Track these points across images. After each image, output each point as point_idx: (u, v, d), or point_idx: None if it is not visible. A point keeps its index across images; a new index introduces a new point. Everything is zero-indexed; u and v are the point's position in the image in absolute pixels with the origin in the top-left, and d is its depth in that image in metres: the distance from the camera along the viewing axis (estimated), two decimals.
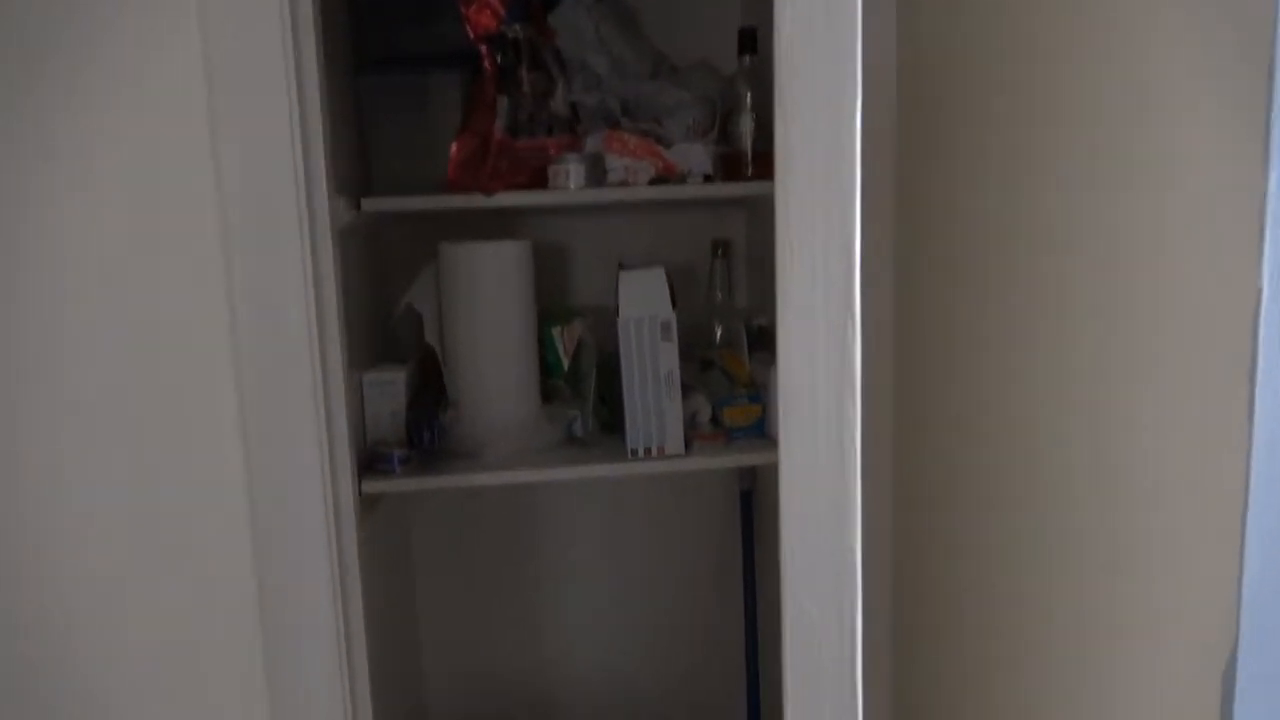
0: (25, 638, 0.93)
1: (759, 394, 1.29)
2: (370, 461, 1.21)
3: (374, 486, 1.18)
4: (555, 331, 1.37)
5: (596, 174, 1.27)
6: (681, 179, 1.27)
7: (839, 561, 0.74)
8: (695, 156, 1.27)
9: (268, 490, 0.87)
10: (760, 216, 1.44)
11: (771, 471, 1.60)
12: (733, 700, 1.66)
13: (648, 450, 1.22)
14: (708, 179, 1.28)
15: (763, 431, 1.28)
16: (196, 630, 0.93)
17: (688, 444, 1.23)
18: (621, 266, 1.22)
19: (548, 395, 1.36)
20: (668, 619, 1.69)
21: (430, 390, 1.36)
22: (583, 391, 1.34)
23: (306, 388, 0.88)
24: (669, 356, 1.19)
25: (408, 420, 1.22)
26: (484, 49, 1.23)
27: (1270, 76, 0.57)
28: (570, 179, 1.24)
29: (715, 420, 1.30)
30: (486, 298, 1.26)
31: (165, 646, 0.93)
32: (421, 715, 1.63)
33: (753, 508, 1.63)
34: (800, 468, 0.83)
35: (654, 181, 1.27)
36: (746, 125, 1.30)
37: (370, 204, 1.22)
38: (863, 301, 0.81)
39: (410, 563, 1.62)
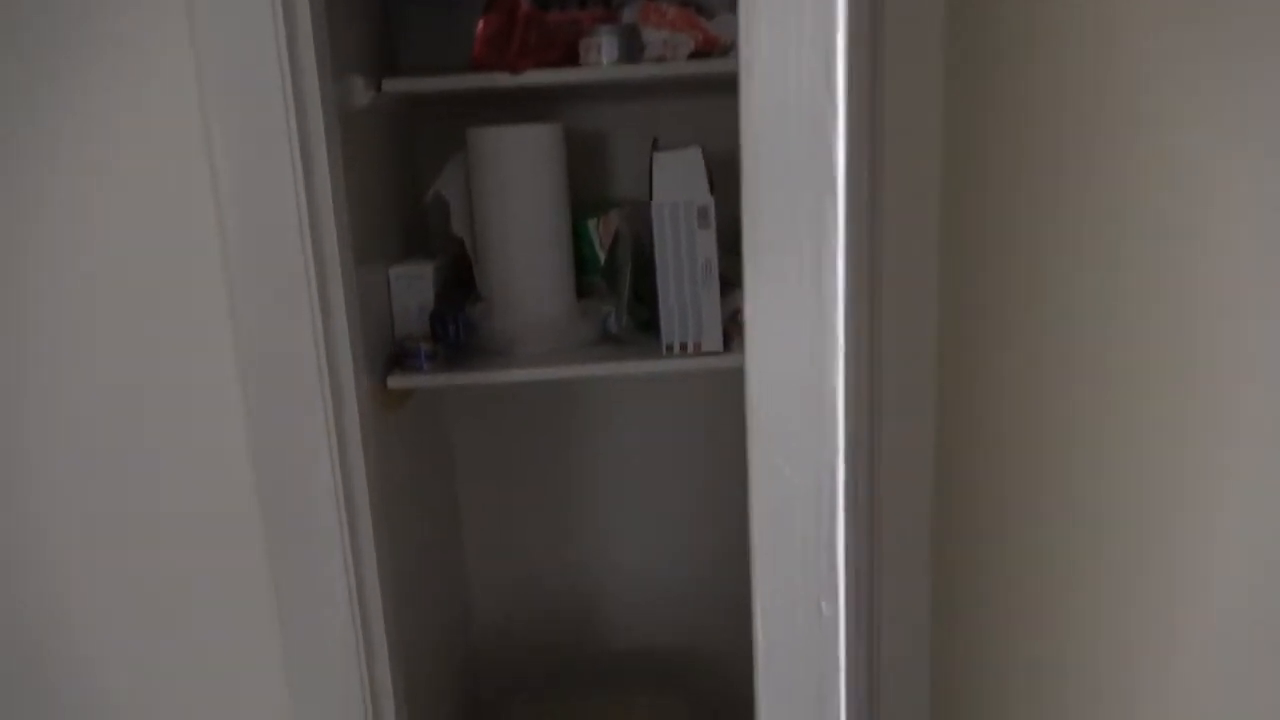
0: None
1: None
2: (399, 357, 1.18)
3: (401, 382, 1.15)
4: (590, 224, 1.29)
5: (632, 48, 1.17)
6: (724, 52, 1.17)
7: (818, 418, 0.64)
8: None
9: (263, 389, 0.83)
10: None
11: None
12: None
13: (683, 346, 1.15)
14: None
15: None
16: (204, 542, 0.91)
17: (727, 341, 1.17)
18: (656, 147, 1.14)
19: (583, 291, 1.30)
20: (706, 518, 1.65)
21: (460, 284, 1.31)
22: (619, 287, 1.27)
23: (299, 281, 0.83)
24: (706, 245, 1.11)
25: (433, 315, 1.17)
26: None
27: None
28: (603, 53, 1.15)
29: None
30: (516, 185, 1.19)
31: (165, 557, 0.92)
32: (466, 618, 1.64)
33: None
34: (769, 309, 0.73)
35: (694, 56, 1.17)
36: None
37: (391, 85, 1.15)
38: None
39: (451, 464, 1.60)
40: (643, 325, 1.26)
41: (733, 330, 1.19)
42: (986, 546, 1.04)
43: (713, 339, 1.15)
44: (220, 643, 0.94)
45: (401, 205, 1.34)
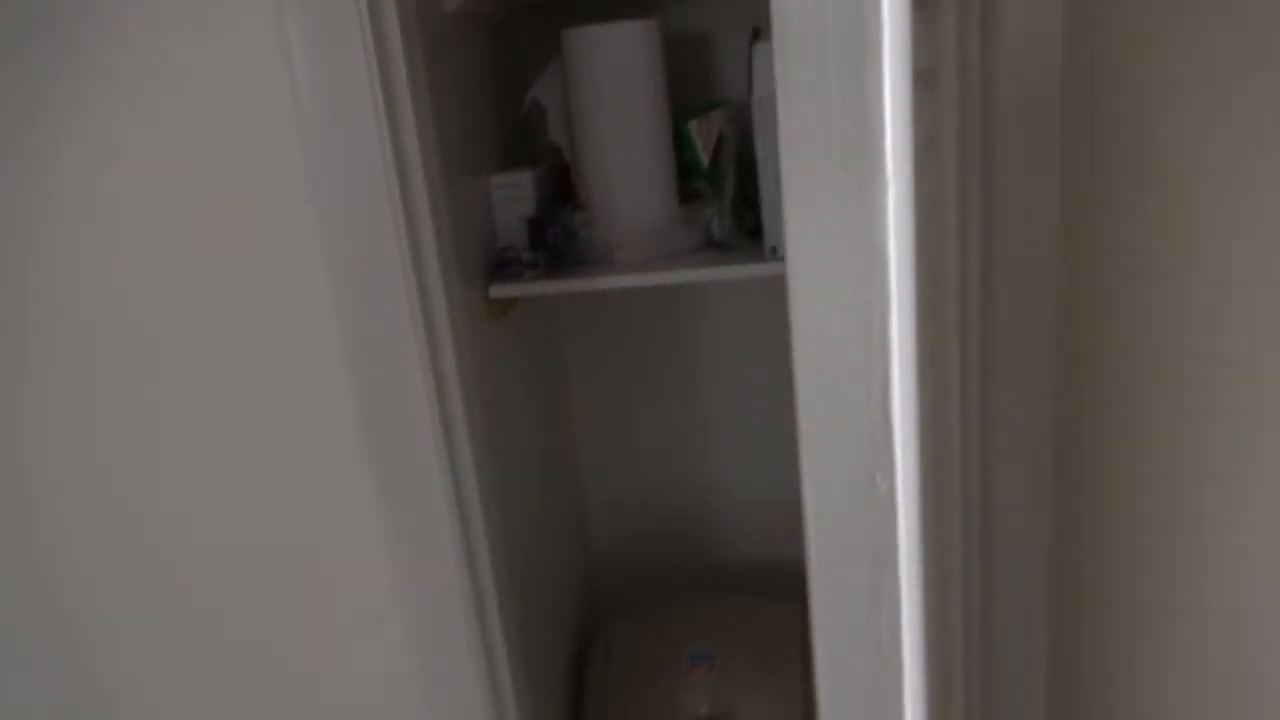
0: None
1: None
2: (500, 266, 1.18)
3: (501, 291, 1.15)
4: (692, 126, 1.25)
5: None
6: None
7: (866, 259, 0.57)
8: None
9: (353, 302, 0.84)
10: None
11: None
12: None
13: None
14: None
15: None
16: (305, 461, 0.94)
17: None
18: (756, 37, 1.07)
19: (686, 196, 1.26)
20: None
21: (563, 193, 1.30)
22: (722, 190, 1.22)
23: (379, 188, 0.83)
24: None
25: (531, 223, 1.16)
26: None
27: None
28: None
29: None
30: (612, 87, 1.16)
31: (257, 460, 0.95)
32: (582, 529, 1.67)
33: None
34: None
35: None
36: None
37: None
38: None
39: (563, 373, 1.61)
40: (750, 232, 1.21)
41: None
42: (1092, 435, 0.96)
43: None
44: (323, 558, 0.97)
45: (501, 114, 1.33)
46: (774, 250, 1.10)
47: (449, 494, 0.90)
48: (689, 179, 1.27)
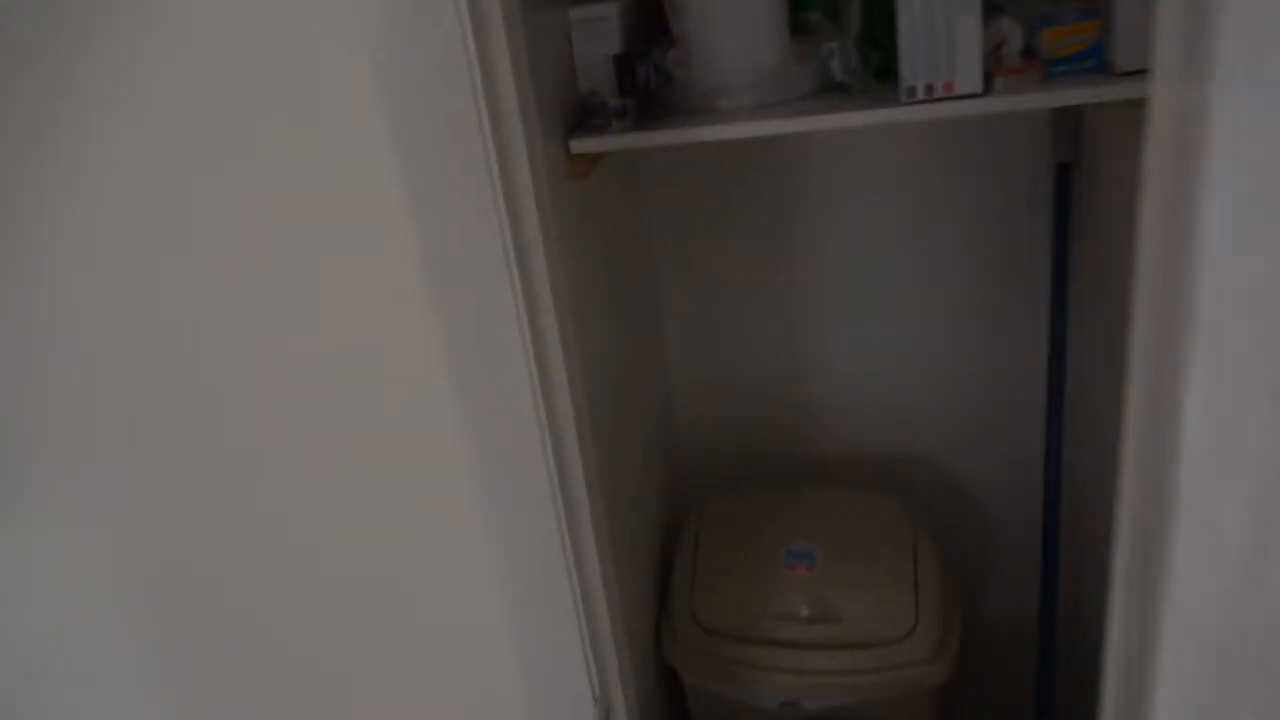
0: None
1: (1098, 6, 0.91)
2: (583, 116, 1.01)
3: (585, 145, 0.99)
4: None
5: None
6: None
7: None
8: None
9: (418, 159, 0.69)
10: None
11: (1104, 135, 1.23)
12: (1027, 418, 1.41)
13: (929, 89, 0.91)
14: None
15: (1100, 60, 0.91)
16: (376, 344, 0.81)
17: (988, 81, 0.91)
18: None
19: (800, 30, 1.06)
20: (944, 320, 1.43)
21: (653, 29, 1.11)
22: (845, 21, 1.02)
23: (449, 22, 0.67)
24: None
25: (619, 61, 0.99)
26: None
27: None
28: None
29: (1029, 51, 0.95)
30: None
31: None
32: (668, 417, 1.55)
33: (1070, 187, 1.28)
34: None
35: None
36: None
37: None
38: None
39: (649, 240, 1.46)
40: (877, 71, 1.02)
41: (995, 67, 0.93)
42: None
43: (970, 77, 0.90)
44: (400, 442, 0.87)
45: None
46: (911, 92, 0.91)
47: (535, 390, 0.78)
48: (801, 8, 1.07)
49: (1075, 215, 1.28)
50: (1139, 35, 0.87)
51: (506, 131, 0.77)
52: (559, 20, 1.01)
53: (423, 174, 0.72)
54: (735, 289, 1.47)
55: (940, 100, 0.91)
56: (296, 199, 0.75)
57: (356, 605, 0.90)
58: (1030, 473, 1.39)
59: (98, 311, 0.79)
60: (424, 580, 0.90)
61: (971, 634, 1.35)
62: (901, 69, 0.91)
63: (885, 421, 1.51)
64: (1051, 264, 1.30)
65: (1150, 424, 0.48)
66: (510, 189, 0.77)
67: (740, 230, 1.43)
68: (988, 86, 0.91)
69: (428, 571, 0.90)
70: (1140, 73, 0.87)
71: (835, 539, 1.30)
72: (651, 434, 1.42)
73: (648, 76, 0.99)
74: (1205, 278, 0.42)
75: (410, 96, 0.70)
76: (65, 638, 0.91)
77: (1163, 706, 0.53)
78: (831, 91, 1.02)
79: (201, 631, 0.91)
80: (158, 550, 0.86)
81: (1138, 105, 0.68)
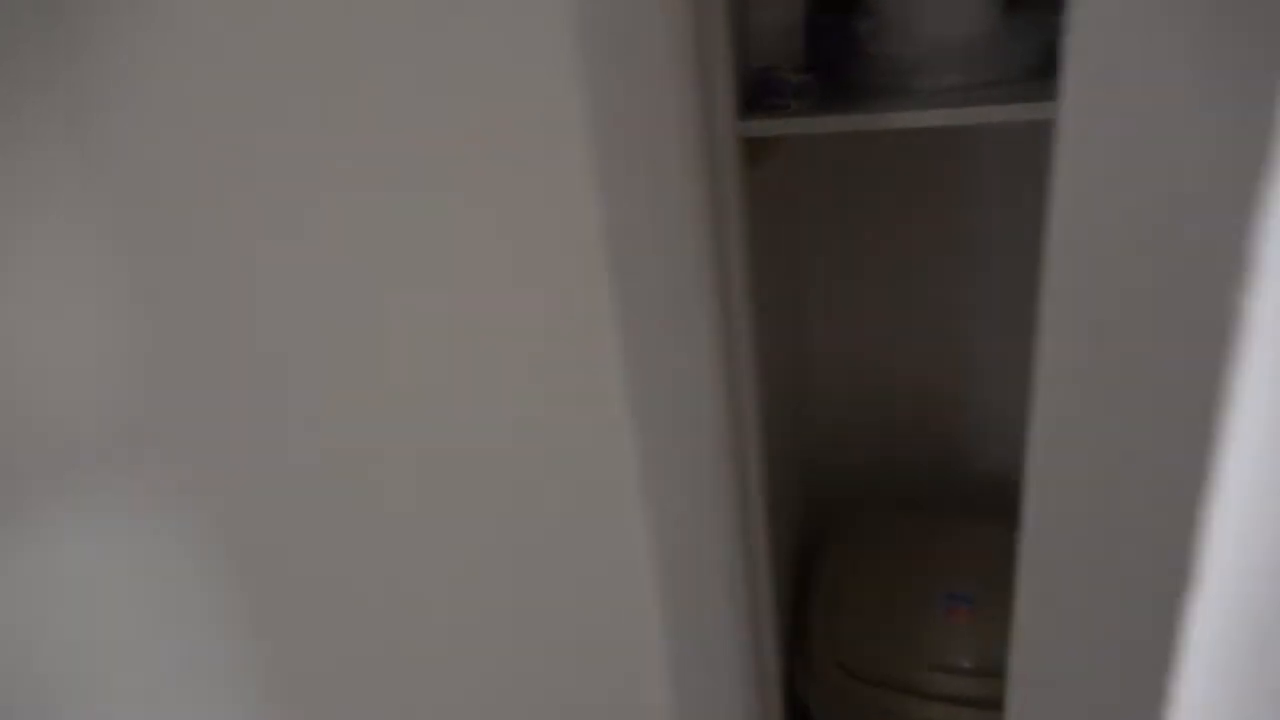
0: None
1: None
2: (758, 95, 0.89)
3: (761, 128, 0.86)
4: None
5: None
6: None
7: None
8: None
9: (613, 133, 0.58)
10: None
11: None
12: None
13: None
14: None
15: None
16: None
17: None
18: None
19: (1015, 2, 0.92)
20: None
21: None
22: None
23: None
24: None
25: (811, 28, 0.86)
26: None
27: None
28: None
29: None
30: None
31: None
32: (804, 428, 1.42)
33: None
34: None
35: None
36: None
37: None
38: None
39: (800, 231, 1.32)
40: None
41: None
42: None
43: None
44: (565, 418, 0.76)
45: None
46: None
47: (718, 380, 0.67)
48: None
49: None
50: None
51: (693, 106, 0.66)
52: None
53: (611, 147, 0.61)
54: (894, 288, 1.33)
55: None
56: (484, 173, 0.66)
57: (506, 599, 0.81)
58: None
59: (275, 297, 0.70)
60: (579, 581, 0.80)
61: None
62: None
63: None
64: None
65: None
66: (701, 168, 0.66)
67: (904, 221, 1.28)
68: None
69: (583, 575, 0.79)
70: None
71: (994, 580, 1.15)
72: (787, 438, 1.29)
73: (837, 51, 0.87)
74: None
75: (603, 67, 0.59)
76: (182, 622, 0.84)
77: None
78: (1048, 72, 0.88)
79: (340, 610, 0.83)
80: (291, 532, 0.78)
81: None
